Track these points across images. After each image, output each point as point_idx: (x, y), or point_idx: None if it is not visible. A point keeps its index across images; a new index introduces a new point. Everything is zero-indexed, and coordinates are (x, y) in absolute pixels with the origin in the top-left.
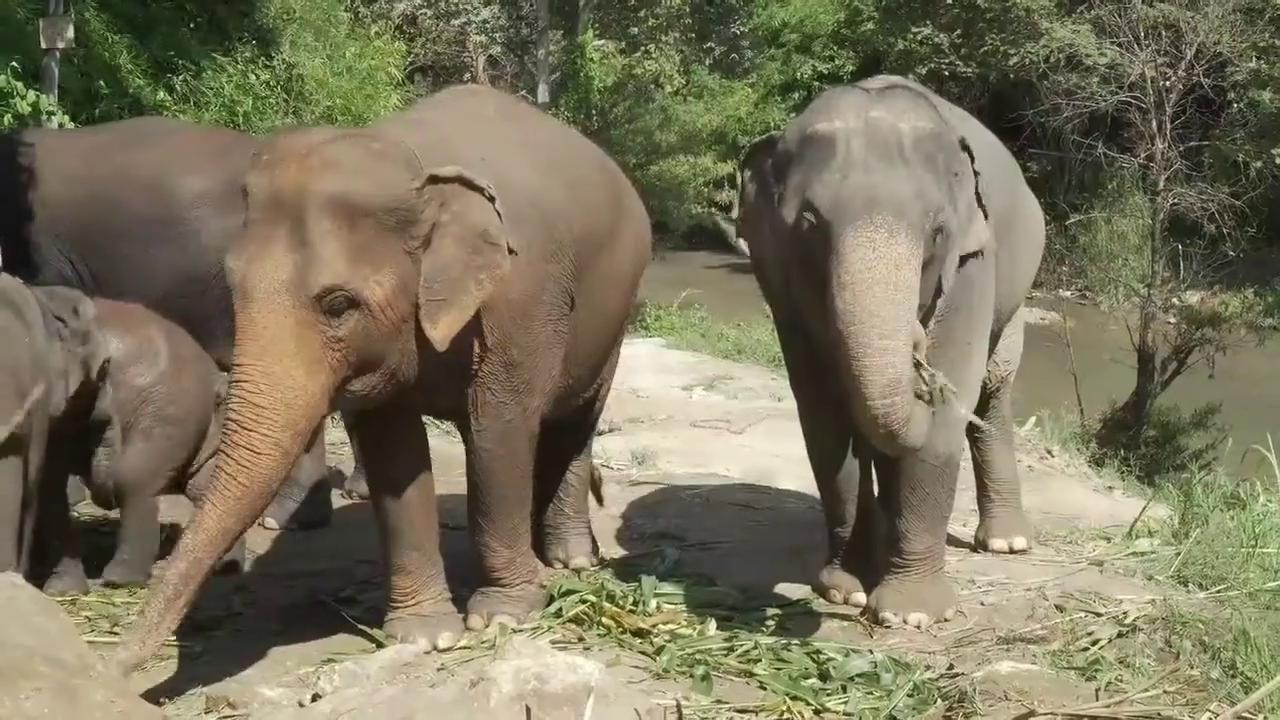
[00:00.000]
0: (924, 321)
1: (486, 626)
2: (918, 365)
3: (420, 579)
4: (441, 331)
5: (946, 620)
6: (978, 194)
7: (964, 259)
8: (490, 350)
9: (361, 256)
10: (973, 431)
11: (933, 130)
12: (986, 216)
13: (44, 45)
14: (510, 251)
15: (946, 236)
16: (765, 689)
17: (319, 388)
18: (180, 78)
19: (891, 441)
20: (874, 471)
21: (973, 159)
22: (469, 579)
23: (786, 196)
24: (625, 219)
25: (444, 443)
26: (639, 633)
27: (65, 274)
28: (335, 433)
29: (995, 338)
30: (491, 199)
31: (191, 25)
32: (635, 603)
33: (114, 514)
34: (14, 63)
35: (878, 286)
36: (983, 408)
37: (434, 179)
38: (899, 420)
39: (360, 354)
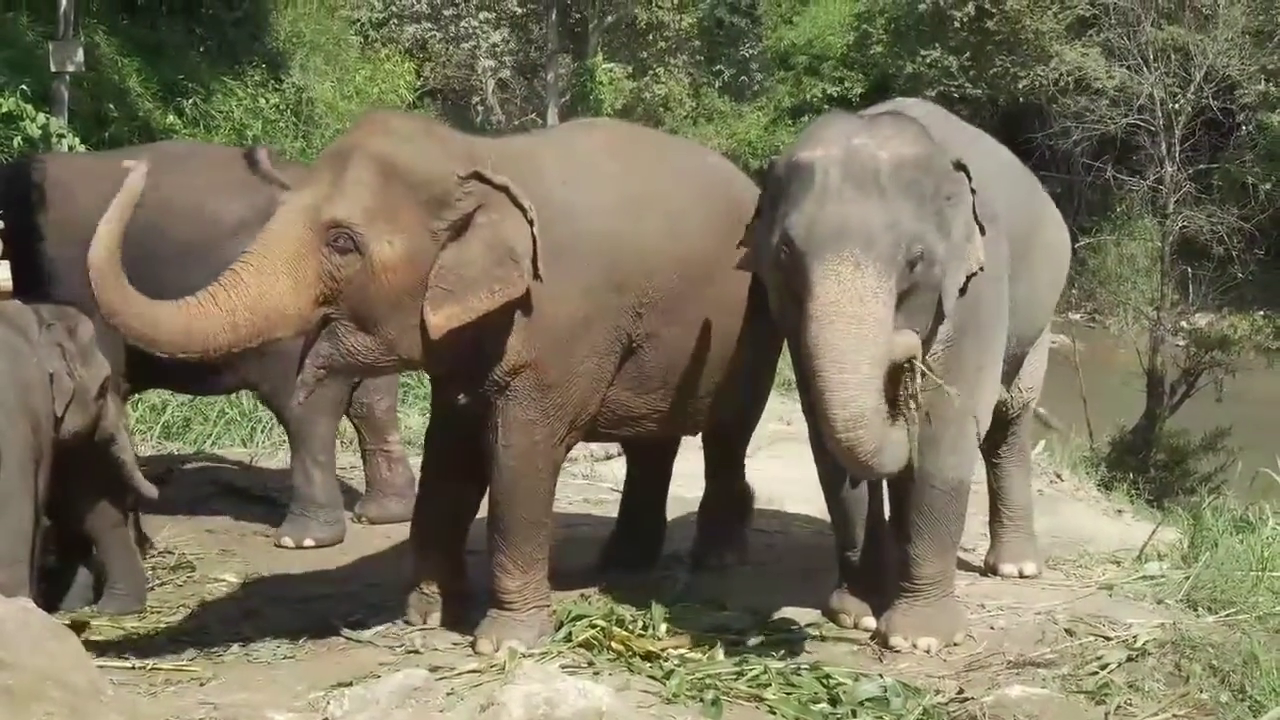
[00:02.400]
0: (927, 346)
1: (496, 651)
2: (905, 390)
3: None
4: (438, 321)
5: (956, 645)
6: (974, 214)
7: (967, 281)
8: (526, 366)
9: (382, 213)
10: (991, 456)
11: (915, 156)
12: (983, 233)
13: (54, 68)
14: (536, 276)
15: (931, 264)
16: (775, 713)
17: (296, 304)
18: (190, 101)
19: (864, 470)
20: (885, 495)
21: (969, 178)
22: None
23: (774, 224)
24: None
25: None
26: (649, 657)
27: None
28: (345, 456)
29: (1018, 361)
30: (531, 221)
31: (201, 49)
32: (645, 627)
33: None
34: (24, 86)
35: (840, 320)
36: (1002, 433)
37: (480, 178)
38: (866, 451)
39: (353, 305)
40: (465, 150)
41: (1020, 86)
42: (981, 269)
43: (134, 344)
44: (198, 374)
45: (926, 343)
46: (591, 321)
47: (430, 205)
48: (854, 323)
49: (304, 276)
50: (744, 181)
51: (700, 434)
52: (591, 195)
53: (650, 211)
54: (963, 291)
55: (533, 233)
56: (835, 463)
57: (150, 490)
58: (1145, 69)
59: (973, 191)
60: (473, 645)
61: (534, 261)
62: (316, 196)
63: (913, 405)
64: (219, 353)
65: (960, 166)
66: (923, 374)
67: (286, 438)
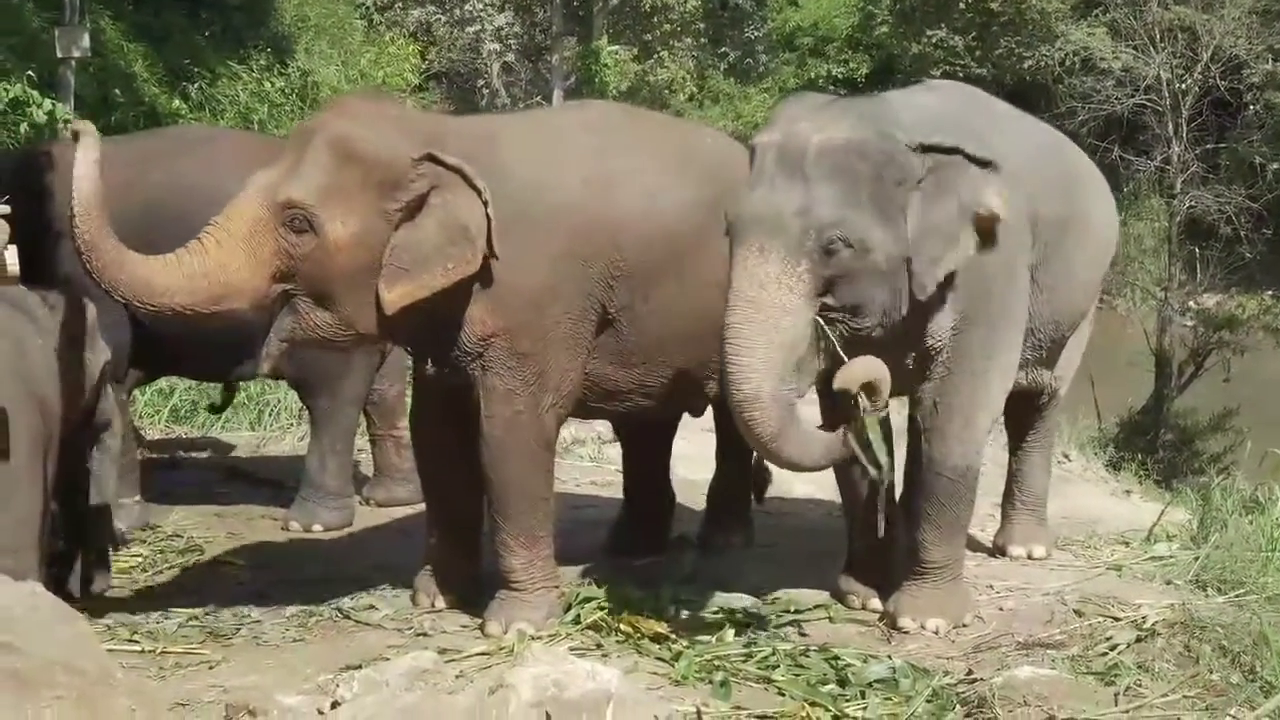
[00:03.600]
0: (918, 333)
1: (505, 633)
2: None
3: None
4: (392, 297)
5: (965, 626)
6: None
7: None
8: (495, 336)
9: (336, 194)
10: (1015, 439)
11: (847, 141)
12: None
13: (60, 54)
14: (491, 255)
15: (866, 250)
16: (784, 695)
17: (252, 279)
18: (195, 85)
19: (769, 455)
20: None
21: (974, 161)
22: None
23: None
24: (719, 220)
25: None
26: (657, 639)
27: None
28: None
29: (1058, 345)
30: (485, 201)
31: (206, 33)
32: (653, 609)
33: None
34: (30, 72)
35: (740, 304)
36: (1030, 418)
37: (433, 159)
38: (766, 434)
39: (310, 283)
40: (423, 132)
41: (1026, 66)
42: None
43: (104, 287)
44: (213, 361)
45: (922, 329)
46: (558, 291)
47: (384, 186)
48: (752, 307)
49: (260, 253)
50: (745, 164)
51: (713, 415)
52: (556, 171)
53: (621, 188)
54: (952, 278)
55: (487, 212)
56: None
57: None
58: (1152, 49)
59: (985, 165)
60: (481, 627)
61: (489, 240)
62: (276, 177)
63: (851, 436)
64: (174, 311)
65: (935, 149)
66: (865, 411)
67: (294, 422)
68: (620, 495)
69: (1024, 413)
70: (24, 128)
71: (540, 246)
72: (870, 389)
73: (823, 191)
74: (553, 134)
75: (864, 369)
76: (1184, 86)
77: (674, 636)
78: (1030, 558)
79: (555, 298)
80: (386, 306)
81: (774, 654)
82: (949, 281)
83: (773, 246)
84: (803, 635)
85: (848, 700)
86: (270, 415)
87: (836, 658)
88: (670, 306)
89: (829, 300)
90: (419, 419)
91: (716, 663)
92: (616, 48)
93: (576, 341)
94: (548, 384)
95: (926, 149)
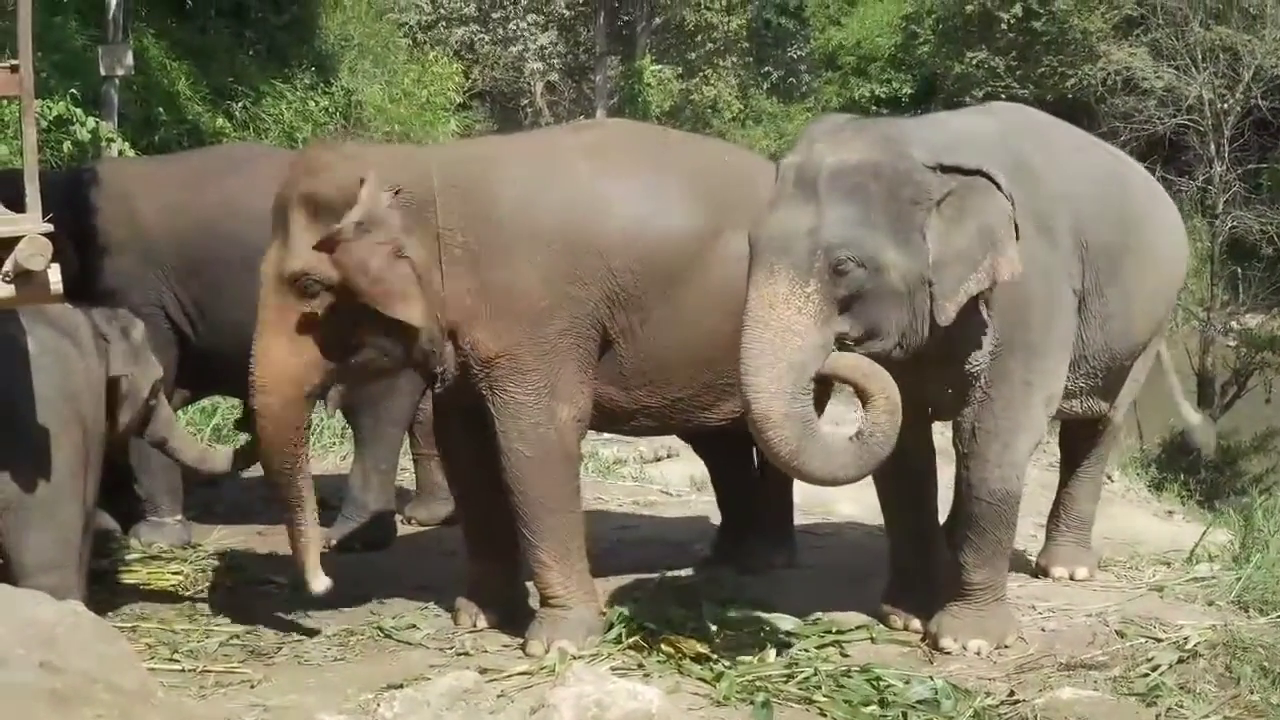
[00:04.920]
0: (956, 357)
1: (546, 653)
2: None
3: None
4: (409, 317)
5: (1007, 647)
6: (1009, 220)
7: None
8: (499, 356)
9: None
10: (1067, 461)
11: (860, 162)
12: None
13: (103, 72)
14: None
15: (879, 270)
16: (825, 716)
17: (301, 359)
18: (239, 104)
19: (791, 471)
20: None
21: (997, 185)
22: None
23: None
24: (727, 243)
25: None
26: (699, 659)
27: (164, 302)
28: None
29: (1118, 374)
30: (436, 214)
31: (250, 52)
32: (695, 629)
33: None
34: (74, 90)
35: (751, 325)
36: (1086, 444)
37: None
38: (784, 452)
39: (337, 330)
40: (377, 164)
41: (1068, 86)
42: (1014, 277)
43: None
44: None
45: (960, 353)
46: (554, 310)
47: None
48: (761, 328)
49: (297, 334)
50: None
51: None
52: (544, 194)
53: (612, 210)
54: (986, 301)
55: (437, 212)
56: (897, 468)
57: (224, 464)
58: (1194, 69)
59: (1009, 198)
60: (523, 647)
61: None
62: (276, 257)
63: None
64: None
65: (956, 170)
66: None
67: (336, 441)
68: (662, 515)
69: (1078, 439)
70: (68, 146)
71: (531, 269)
72: (855, 387)
73: (834, 212)
74: (546, 157)
75: (852, 362)
76: (1226, 106)
77: (716, 656)
78: (1073, 579)
79: (552, 316)
80: (392, 331)
81: (816, 674)
82: (986, 305)
83: (782, 266)
84: (844, 656)
85: None
86: (313, 434)
87: (878, 678)
88: (671, 328)
89: (846, 320)
90: (444, 440)
91: (758, 683)
92: (660, 67)
93: (583, 356)
94: (559, 395)
95: (947, 169)
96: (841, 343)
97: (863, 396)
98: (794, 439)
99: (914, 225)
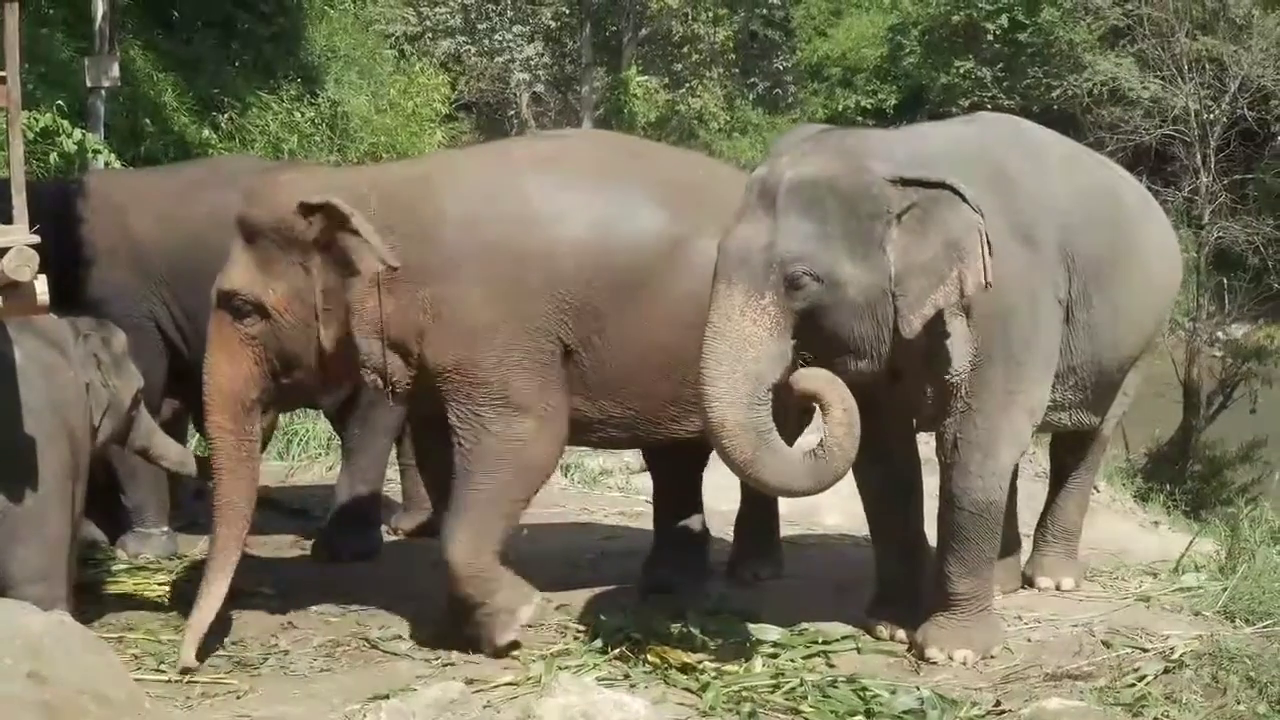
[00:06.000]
0: (935, 368)
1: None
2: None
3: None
4: (329, 337)
5: (993, 657)
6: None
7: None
8: (451, 370)
9: (258, 268)
10: (1056, 473)
11: (816, 176)
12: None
13: (90, 84)
14: (389, 269)
15: (836, 285)
16: None
17: (241, 375)
18: (225, 115)
19: (745, 477)
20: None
21: (962, 197)
22: None
23: None
24: (688, 255)
25: None
26: (685, 669)
27: (155, 313)
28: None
29: (1107, 387)
30: (354, 230)
31: (237, 63)
32: (681, 639)
33: None
34: (60, 101)
35: (710, 336)
36: (1074, 456)
37: (305, 207)
38: (739, 459)
39: (277, 353)
40: (310, 185)
41: (1054, 97)
42: (983, 289)
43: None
44: None
45: (939, 364)
46: (501, 325)
47: (287, 245)
48: (719, 338)
49: (236, 350)
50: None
51: None
52: (491, 208)
53: (563, 221)
54: (966, 312)
55: (364, 236)
56: (882, 479)
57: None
58: (1180, 80)
59: (976, 210)
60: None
61: (382, 259)
62: (217, 278)
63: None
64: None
65: (917, 183)
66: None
67: (322, 451)
68: (648, 525)
69: (1066, 451)
70: (54, 157)
71: (477, 283)
72: (817, 401)
73: (790, 225)
74: (495, 171)
75: (814, 375)
76: (1212, 117)
77: (702, 667)
78: (1058, 589)
79: (499, 330)
80: (325, 344)
81: (802, 685)
82: (966, 316)
83: (739, 279)
84: (830, 666)
85: None
86: (299, 444)
87: (864, 688)
88: (633, 338)
89: (807, 333)
90: (421, 448)
91: (744, 693)
92: (646, 78)
93: (539, 366)
94: (515, 405)
95: (908, 183)
96: (805, 356)
97: (823, 410)
98: (749, 447)
99: (873, 239)
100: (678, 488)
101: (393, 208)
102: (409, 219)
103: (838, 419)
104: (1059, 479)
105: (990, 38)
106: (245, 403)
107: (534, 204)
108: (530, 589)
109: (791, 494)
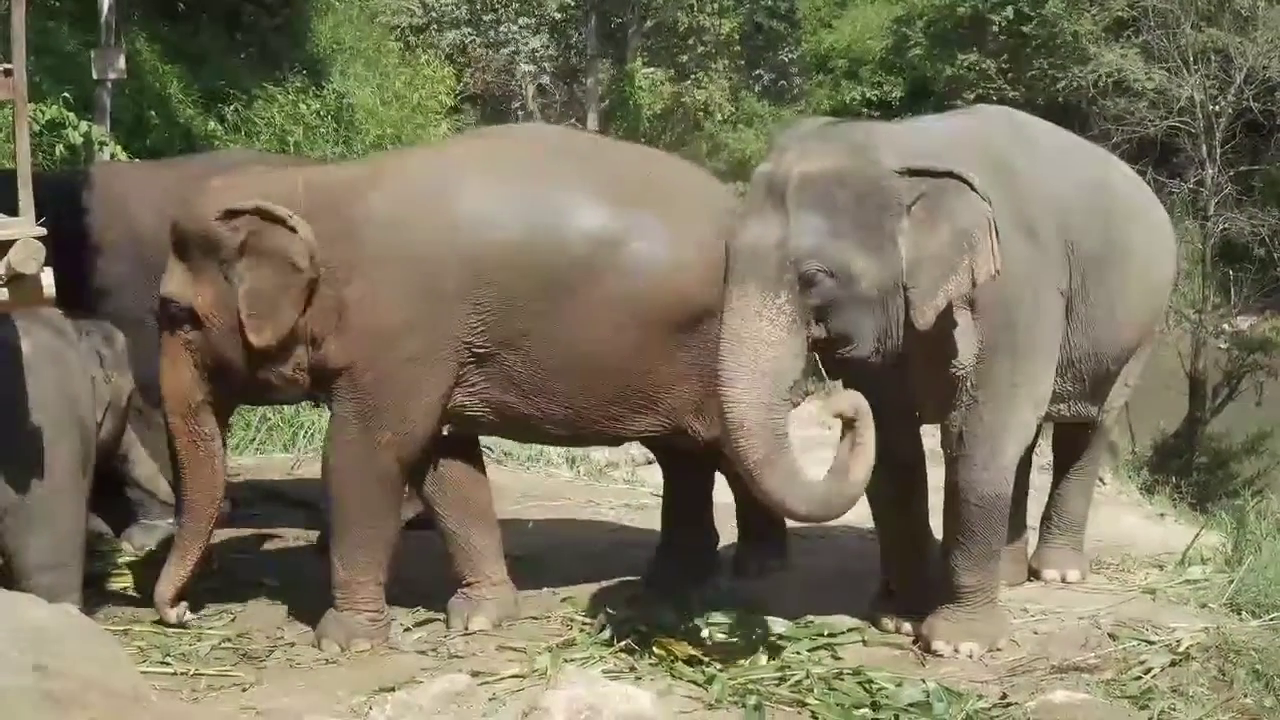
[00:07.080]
0: (941, 362)
1: (344, 651)
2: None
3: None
4: (259, 341)
5: (999, 649)
6: (987, 223)
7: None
8: (344, 369)
9: (187, 274)
10: (1059, 465)
11: (824, 170)
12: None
13: (96, 76)
14: (315, 268)
15: (850, 280)
16: (817, 719)
17: (183, 378)
18: (231, 107)
19: (750, 479)
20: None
21: (971, 187)
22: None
23: None
24: (625, 255)
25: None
26: (691, 661)
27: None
28: None
29: (1105, 377)
30: (292, 229)
31: (242, 55)
32: (687, 632)
33: None
34: (66, 93)
35: (727, 338)
36: (1076, 448)
37: (230, 213)
38: (751, 460)
39: (212, 358)
40: (238, 191)
41: (1059, 89)
42: (994, 277)
43: None
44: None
45: (945, 358)
46: (413, 327)
47: (210, 251)
48: (735, 340)
49: (177, 354)
50: (709, 196)
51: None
52: (418, 209)
53: (492, 222)
54: (971, 304)
55: (300, 235)
56: (888, 473)
57: (159, 490)
58: (1185, 71)
59: (985, 199)
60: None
61: (310, 259)
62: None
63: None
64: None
65: (924, 173)
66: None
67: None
68: (654, 519)
69: (1068, 443)
70: (60, 149)
71: (396, 285)
72: (845, 426)
73: (802, 222)
74: (430, 171)
75: (850, 401)
76: (1217, 108)
77: (708, 659)
78: (1064, 581)
79: (407, 336)
80: (256, 344)
81: (807, 677)
82: (971, 308)
83: (753, 279)
84: (836, 658)
85: None
86: (305, 438)
87: (870, 681)
88: (565, 339)
89: (819, 329)
90: None
91: (750, 686)
92: (651, 70)
93: (426, 385)
94: (385, 422)
95: (915, 173)
96: (817, 348)
97: (849, 437)
98: (763, 449)
99: (884, 231)
100: (689, 484)
101: (323, 207)
102: (332, 220)
103: (860, 453)
104: (1063, 470)
105: (995, 29)
106: (192, 404)
107: (462, 206)
108: (374, 630)
109: (786, 511)
